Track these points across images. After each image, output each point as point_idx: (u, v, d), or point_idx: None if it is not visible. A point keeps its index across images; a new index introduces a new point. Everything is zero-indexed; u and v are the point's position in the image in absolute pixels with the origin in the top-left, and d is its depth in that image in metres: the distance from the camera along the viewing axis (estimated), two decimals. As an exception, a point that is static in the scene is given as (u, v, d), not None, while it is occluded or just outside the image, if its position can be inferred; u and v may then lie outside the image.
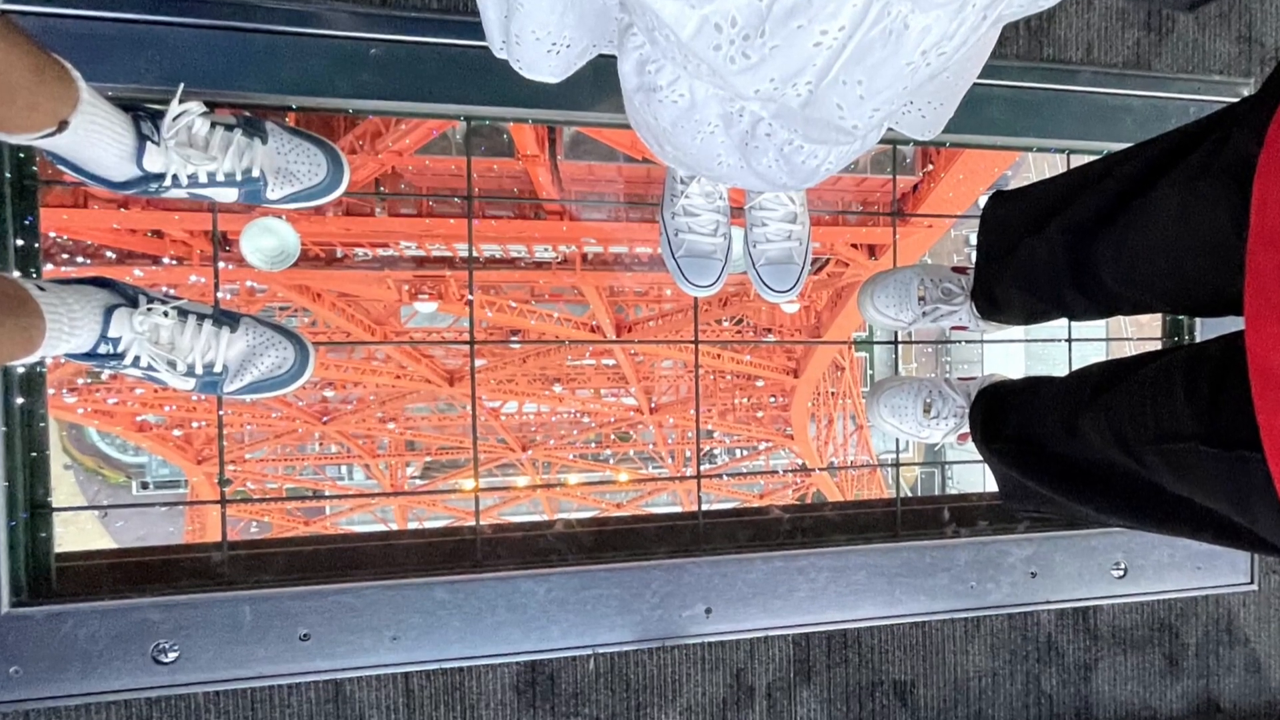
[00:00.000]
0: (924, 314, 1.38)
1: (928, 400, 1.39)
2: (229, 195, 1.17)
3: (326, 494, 16.32)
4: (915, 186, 10.36)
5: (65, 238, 10.04)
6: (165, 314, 1.12)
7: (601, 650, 1.50)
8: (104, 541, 11.91)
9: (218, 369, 1.17)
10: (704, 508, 1.67)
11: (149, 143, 1.06)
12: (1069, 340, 1.86)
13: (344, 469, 15.93)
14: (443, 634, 1.44)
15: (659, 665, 1.55)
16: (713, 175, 0.89)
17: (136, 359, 1.10)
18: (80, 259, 10.59)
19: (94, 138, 1.02)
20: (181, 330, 1.14)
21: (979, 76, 0.88)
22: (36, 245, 1.34)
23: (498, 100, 1.43)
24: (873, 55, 0.63)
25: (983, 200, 1.31)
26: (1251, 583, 1.77)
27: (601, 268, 12.76)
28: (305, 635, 1.39)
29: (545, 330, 13.34)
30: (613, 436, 16.03)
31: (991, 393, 1.32)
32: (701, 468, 12.97)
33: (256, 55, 1.32)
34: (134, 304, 1.10)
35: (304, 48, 1.33)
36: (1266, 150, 0.69)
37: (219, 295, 1.43)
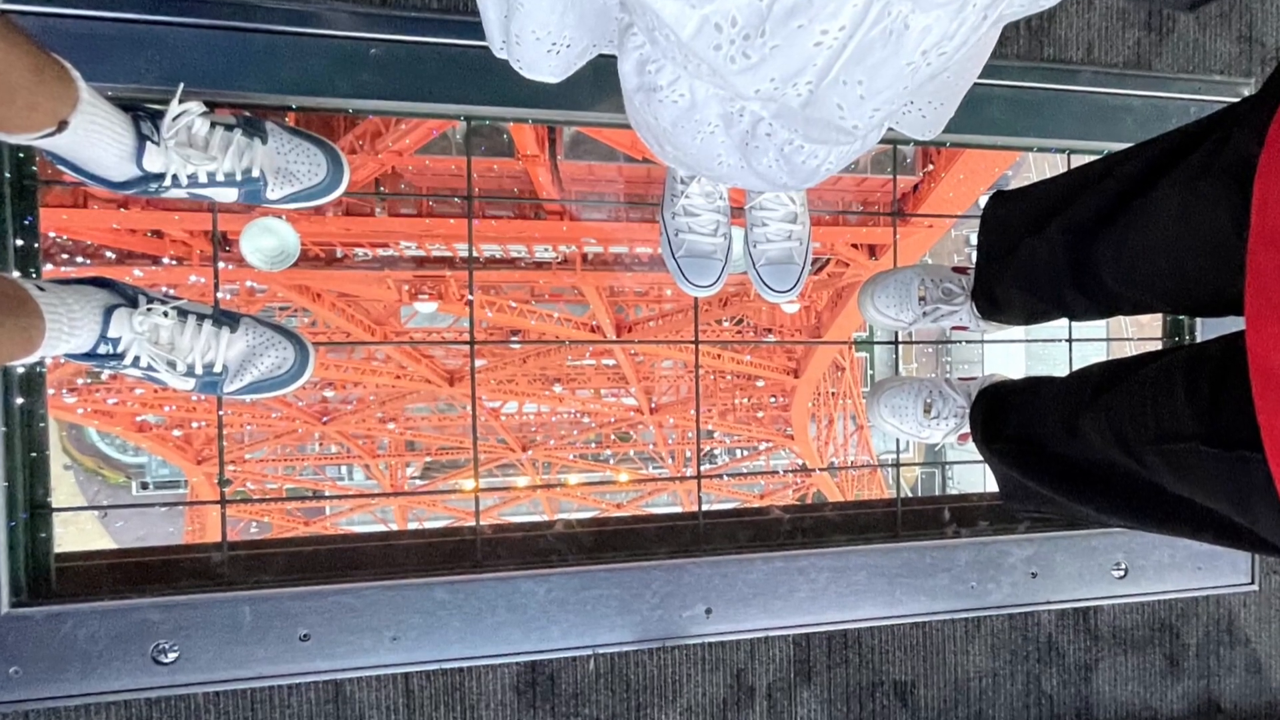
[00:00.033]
0: (924, 314, 1.38)
1: (928, 400, 1.39)
2: (229, 195, 1.17)
3: (326, 494, 16.32)
4: (916, 186, 10.36)
5: (65, 238, 10.04)
6: (165, 314, 1.12)
7: (602, 650, 1.50)
8: (104, 542, 11.92)
9: (217, 369, 1.17)
10: (704, 508, 1.67)
11: (149, 143, 1.06)
12: (1069, 340, 1.86)
13: (344, 469, 15.93)
14: (443, 634, 1.44)
15: (659, 666, 1.55)
16: (713, 175, 0.89)
17: (136, 359, 1.10)
18: (80, 259, 10.59)
19: (94, 138, 1.02)
20: (181, 330, 1.14)
21: (979, 76, 0.88)
22: (36, 245, 1.34)
23: (498, 100, 1.42)
24: (873, 55, 0.63)
25: (983, 200, 1.31)
26: (1252, 583, 1.77)
27: (602, 268, 12.76)
28: (305, 635, 1.39)
29: (545, 330, 13.34)
30: (613, 437, 16.03)
31: (992, 393, 1.32)
32: (702, 468, 12.97)
33: (256, 55, 1.32)
34: (134, 304, 1.10)
35: (304, 47, 1.33)
36: (1267, 150, 0.69)
37: (219, 295, 1.43)
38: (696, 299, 1.58)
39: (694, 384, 13.54)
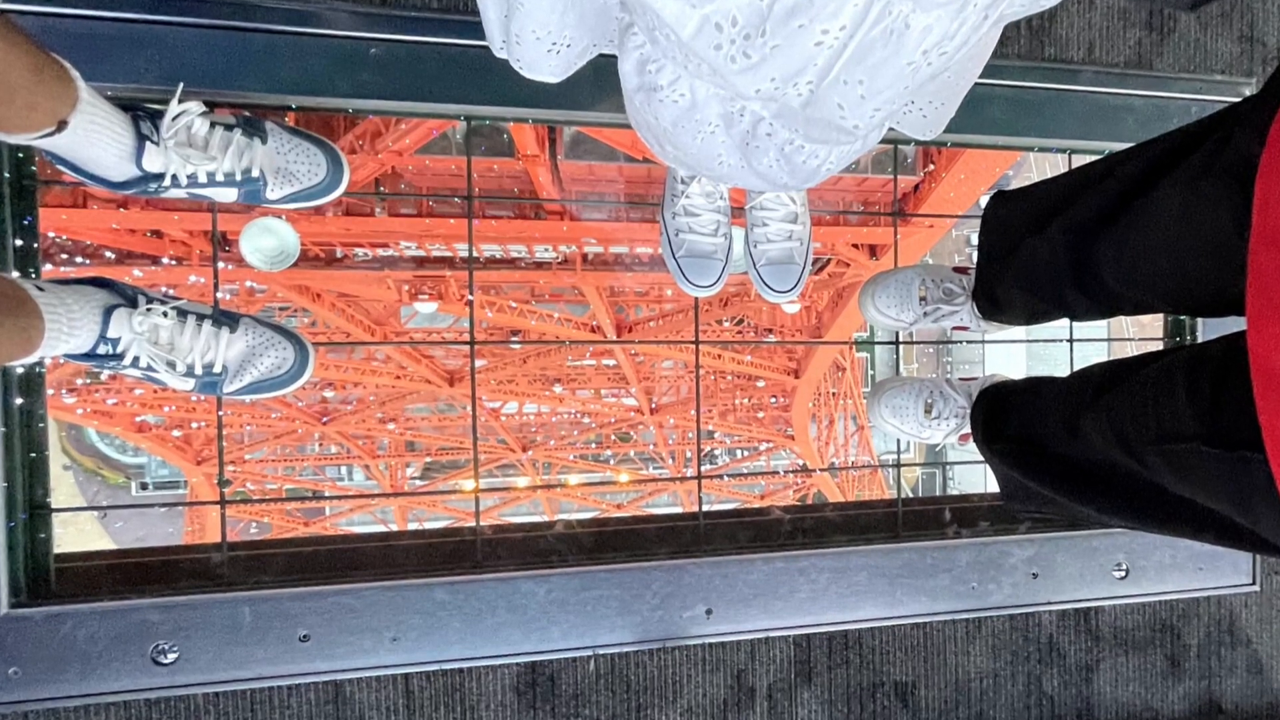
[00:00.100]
0: (925, 314, 1.37)
1: (929, 401, 1.39)
2: (228, 195, 1.17)
3: (326, 495, 16.31)
4: (916, 186, 10.35)
5: (64, 238, 10.03)
6: (164, 314, 1.12)
7: (602, 651, 1.50)
8: (103, 542, 11.91)
9: (217, 369, 1.17)
10: (705, 508, 1.67)
11: (148, 142, 1.06)
12: (1070, 340, 1.86)
13: (344, 470, 15.92)
14: (443, 635, 1.44)
15: (659, 666, 1.55)
16: (713, 175, 0.89)
17: (136, 359, 1.10)
18: (79, 259, 10.58)
19: (93, 138, 1.01)
20: (181, 330, 1.13)
21: (980, 76, 0.88)
22: (35, 245, 1.34)
23: (498, 100, 1.42)
24: (874, 55, 0.63)
25: (984, 200, 1.31)
26: (1253, 583, 1.77)
27: (602, 268, 12.75)
28: (305, 636, 1.39)
29: (545, 330, 13.34)
30: (613, 437, 16.03)
31: (993, 393, 1.32)
32: (702, 468, 12.97)
33: (256, 55, 1.31)
34: (133, 304, 1.10)
35: (304, 47, 1.33)
36: (1268, 150, 0.69)
37: (218, 295, 1.43)
38: (697, 299, 1.58)
39: (694, 384, 13.55)
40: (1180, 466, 0.82)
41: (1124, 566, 1.70)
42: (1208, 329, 1.75)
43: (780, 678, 1.59)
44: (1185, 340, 1.83)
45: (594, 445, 15.99)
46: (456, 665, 1.45)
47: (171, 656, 1.35)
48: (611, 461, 16.07)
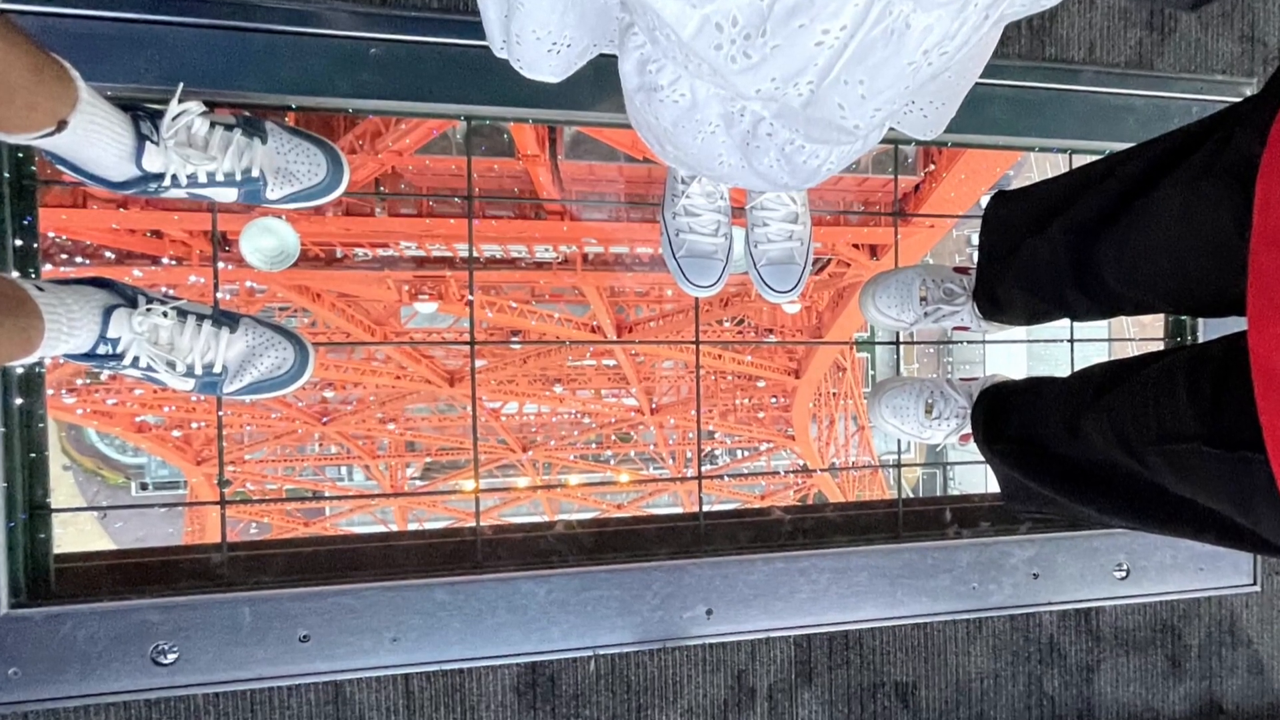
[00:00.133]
0: (926, 314, 1.37)
1: (929, 401, 1.39)
2: (228, 195, 1.17)
3: (326, 495, 16.32)
4: (917, 186, 10.36)
5: (64, 238, 10.03)
6: (164, 314, 1.12)
7: (602, 651, 1.50)
8: (103, 542, 11.91)
9: (217, 369, 1.17)
10: (705, 509, 1.67)
11: (148, 142, 1.06)
12: (1071, 341, 1.86)
13: (344, 470, 15.92)
14: (443, 635, 1.44)
15: (660, 667, 1.54)
16: (714, 175, 0.89)
17: (135, 359, 1.10)
18: (79, 259, 10.58)
19: (93, 137, 1.01)
20: (181, 331, 1.13)
21: (981, 76, 0.88)
22: (35, 245, 1.34)
23: (498, 100, 1.42)
24: (874, 55, 0.63)
25: (985, 200, 1.31)
26: (1254, 584, 1.77)
27: (602, 268, 12.75)
28: (305, 637, 1.39)
29: (546, 331, 13.34)
30: (613, 437, 16.02)
31: (993, 393, 1.32)
32: (702, 468, 12.97)
33: (256, 55, 1.31)
34: (133, 304, 1.10)
35: (304, 47, 1.33)
36: (1269, 150, 0.69)
37: (218, 295, 1.43)
38: (697, 299, 1.58)
39: (695, 384, 13.54)
40: (1181, 467, 0.82)
41: (1125, 567, 1.70)
42: (1208, 329, 1.75)
43: (781, 678, 1.59)
44: (1186, 340, 1.83)
45: (594, 445, 15.99)
46: (457, 666, 1.45)
47: (171, 657, 1.34)
48: (612, 462, 16.07)
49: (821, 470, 16.39)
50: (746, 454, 16.74)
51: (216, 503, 1.71)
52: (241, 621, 1.37)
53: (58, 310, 1.00)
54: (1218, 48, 1.77)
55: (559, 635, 1.48)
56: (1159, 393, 0.85)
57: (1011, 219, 1.20)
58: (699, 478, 2.05)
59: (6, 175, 1.29)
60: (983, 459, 1.31)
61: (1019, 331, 1.61)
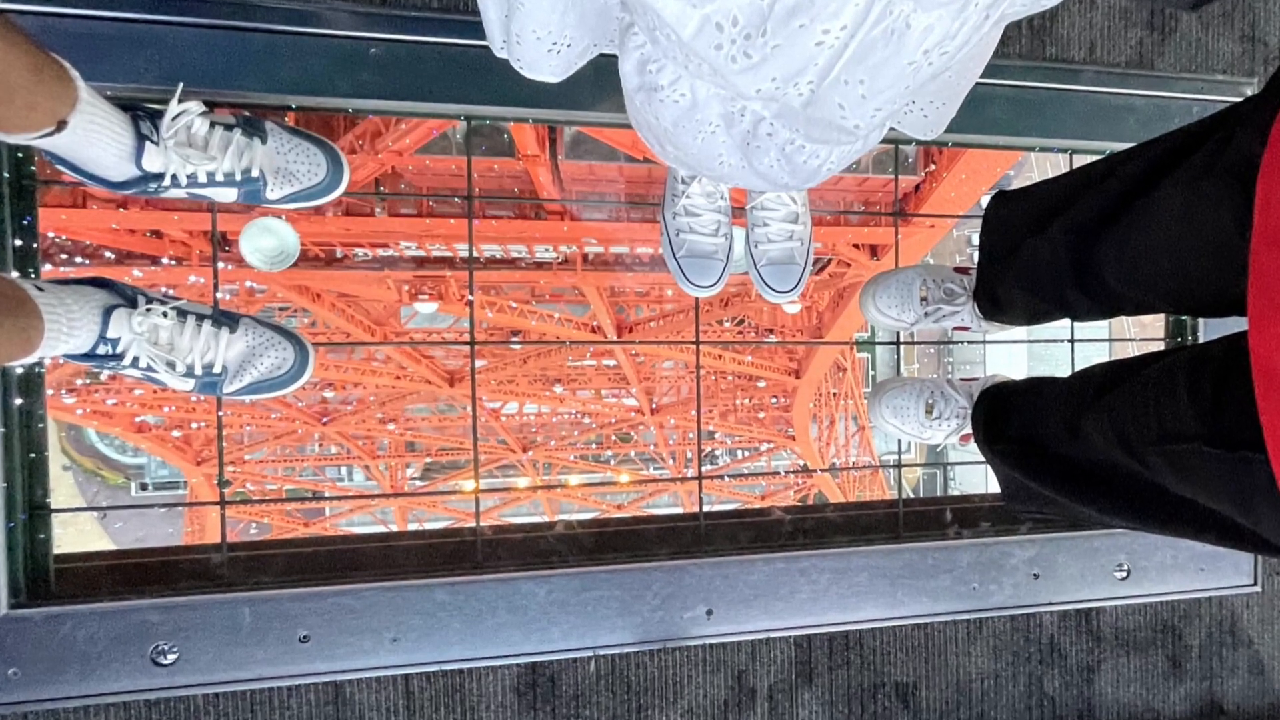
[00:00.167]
0: (926, 314, 1.37)
1: (930, 401, 1.39)
2: (228, 195, 1.17)
3: (326, 495, 16.31)
4: (917, 186, 10.35)
5: (64, 238, 10.02)
6: (164, 314, 1.12)
7: (602, 652, 1.50)
8: (103, 543, 11.91)
9: (217, 369, 1.17)
10: (705, 509, 1.67)
11: (148, 142, 1.06)
12: (1072, 341, 1.86)
13: (344, 470, 15.91)
14: (443, 635, 1.44)
15: (660, 667, 1.54)
16: (714, 175, 0.89)
17: (135, 360, 1.10)
18: (79, 259, 10.58)
19: (93, 137, 1.01)
20: (180, 331, 1.13)
21: (981, 76, 0.88)
22: (35, 245, 1.34)
23: (498, 100, 1.42)
24: (875, 54, 0.63)
25: (985, 200, 1.31)
26: (1255, 584, 1.77)
27: (602, 268, 12.75)
28: (305, 637, 1.39)
29: (546, 331, 13.33)
30: (614, 437, 16.02)
31: (994, 393, 1.32)
32: (703, 469, 12.97)
33: (256, 55, 1.31)
34: (133, 304, 1.09)
35: (303, 47, 1.33)
36: (1270, 150, 0.69)
37: (218, 295, 1.43)
38: (697, 299, 1.58)
39: (695, 384, 13.53)
40: (1181, 467, 0.82)
41: (1125, 567, 1.70)
42: (1209, 329, 1.75)
43: (781, 678, 1.59)
44: (1187, 340, 1.83)
45: (594, 446, 15.99)
46: (457, 666, 1.45)
47: (171, 657, 1.34)
48: (612, 462, 16.07)
49: (822, 470, 16.39)
50: (747, 454, 16.73)
51: (216, 503, 1.71)
52: (241, 622, 1.37)
53: (57, 310, 1.00)
54: (1218, 47, 1.77)
55: (559, 635, 1.48)
56: (1159, 393, 0.85)
57: (1012, 219, 1.20)
58: (699, 478, 2.05)
59: (6, 175, 1.29)
60: (983, 459, 1.31)
61: (1019, 332, 1.61)
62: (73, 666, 1.32)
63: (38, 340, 0.98)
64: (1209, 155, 0.84)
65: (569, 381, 14.82)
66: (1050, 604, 1.68)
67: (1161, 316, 1.85)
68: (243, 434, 14.14)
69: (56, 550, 1.40)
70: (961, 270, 1.39)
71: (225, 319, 1.19)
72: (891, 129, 0.90)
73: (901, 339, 1.89)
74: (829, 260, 11.94)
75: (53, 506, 1.38)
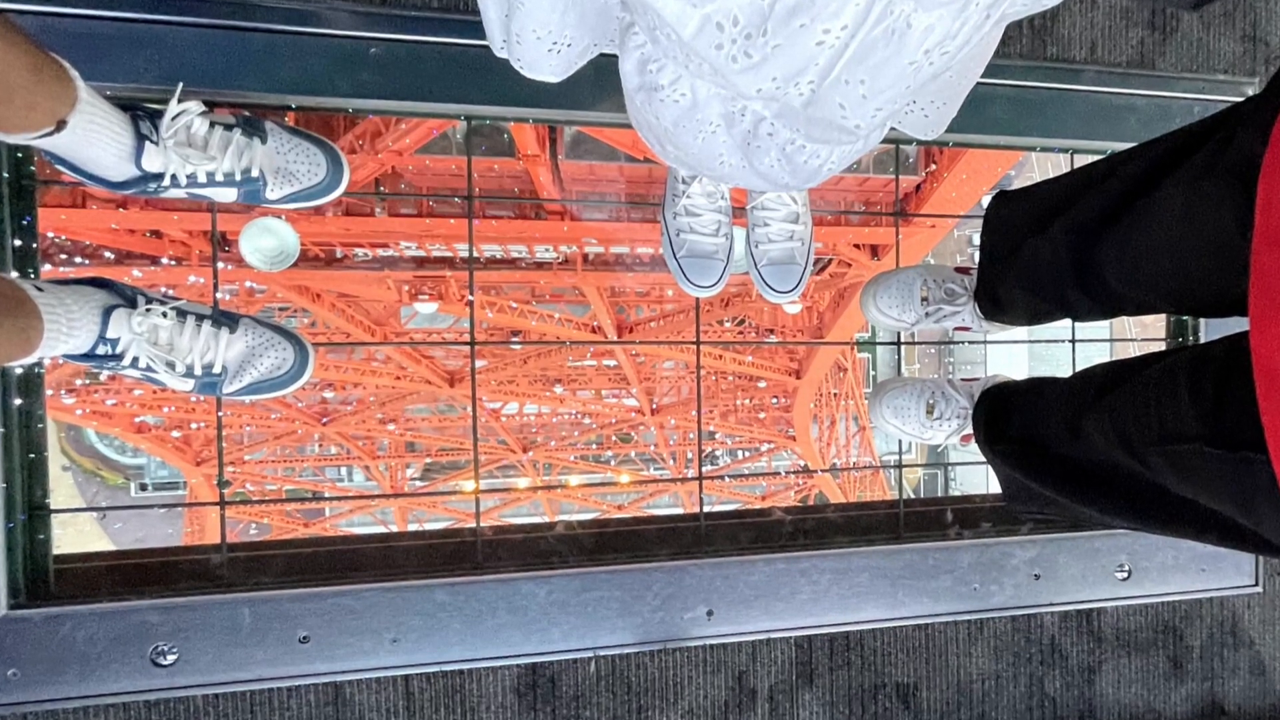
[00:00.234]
0: (927, 314, 1.37)
1: (931, 401, 1.38)
2: (228, 195, 1.17)
3: (326, 495, 16.31)
4: (918, 186, 10.35)
5: (63, 238, 10.02)
6: (164, 314, 1.11)
7: (603, 652, 1.50)
8: (102, 543, 11.92)
9: (217, 370, 1.17)
10: (706, 509, 1.67)
11: (148, 142, 1.06)
12: (1073, 341, 1.86)
13: (343, 470, 15.91)
14: (443, 636, 1.43)
15: (660, 668, 1.54)
16: (715, 175, 0.88)
17: (135, 360, 1.10)
18: (78, 259, 10.58)
19: (92, 137, 1.01)
20: (180, 331, 1.13)
21: (982, 76, 0.88)
22: (34, 245, 1.34)
23: (498, 100, 1.42)
24: (875, 54, 0.63)
25: (986, 200, 1.31)
26: (1256, 585, 1.77)
27: (603, 268, 12.75)
28: (305, 638, 1.39)
29: (546, 331, 13.33)
30: (614, 438, 16.02)
31: (995, 394, 1.32)
32: (703, 469, 12.98)
33: (256, 54, 1.31)
34: (132, 304, 1.09)
35: (303, 47, 1.33)
36: (1271, 150, 0.69)
37: (218, 296, 1.43)
38: (698, 299, 1.58)
39: (695, 385, 13.53)
40: (1183, 467, 0.82)
41: (1126, 568, 1.70)
42: (1210, 329, 1.75)
43: (781, 679, 1.59)
44: (1188, 341, 1.83)
45: (595, 446, 15.98)
46: (457, 667, 1.45)
47: (171, 658, 1.34)
48: (612, 462, 16.06)
49: (822, 471, 16.39)
50: (747, 454, 16.73)
51: (216, 503, 1.70)
52: (241, 622, 1.37)
53: (57, 310, 1.00)
54: (1219, 47, 1.77)
55: (559, 636, 1.48)
56: (1160, 393, 0.85)
57: (1013, 219, 1.20)
58: (700, 478, 2.05)
59: (5, 175, 1.29)
60: (984, 460, 1.31)
61: (1020, 332, 1.61)
62: (72, 667, 1.31)
63: (37, 340, 0.98)
64: (1210, 155, 0.84)
65: (569, 382, 14.82)
66: (1051, 604, 1.68)
67: (1163, 317, 1.85)
68: (242, 434, 14.14)
69: (56, 551, 1.40)
70: (962, 270, 1.38)
71: (225, 319, 1.19)
72: (892, 129, 0.89)
73: (902, 339, 1.89)
74: (830, 260, 11.94)
75: (52, 507, 1.38)
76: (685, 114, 0.76)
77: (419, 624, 1.43)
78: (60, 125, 0.97)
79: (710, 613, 1.53)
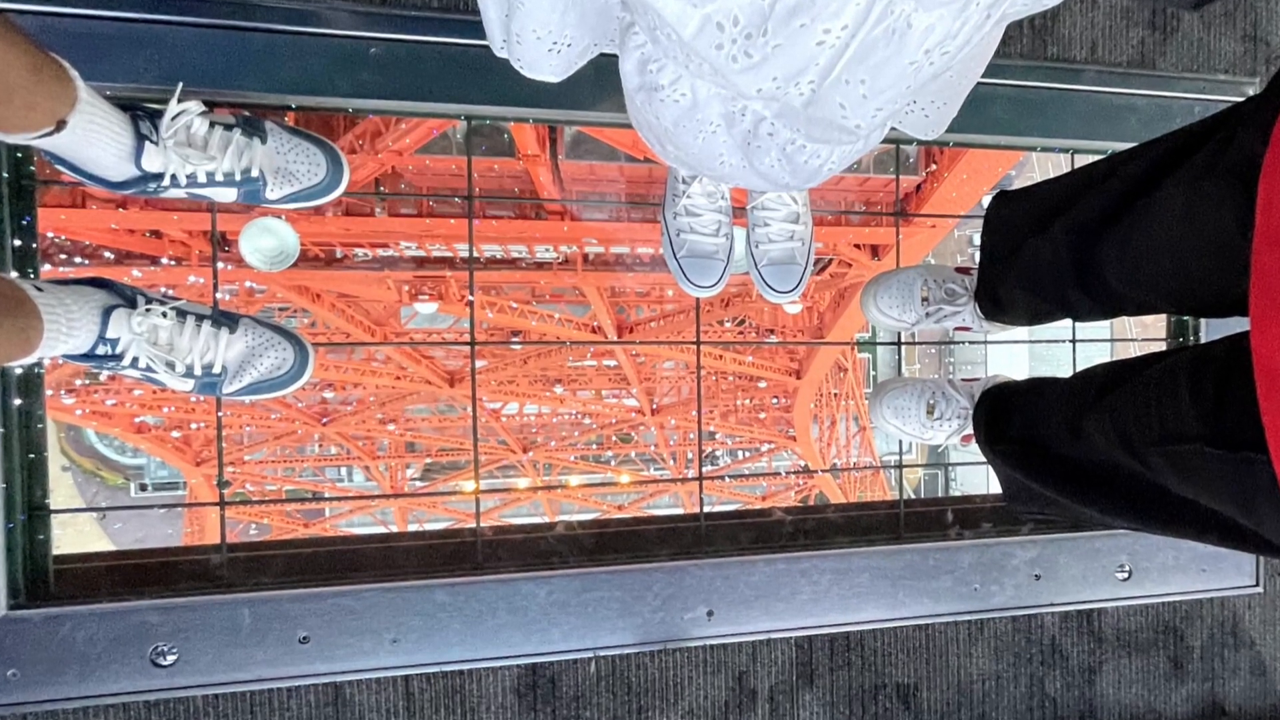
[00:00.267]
0: (927, 314, 1.37)
1: (931, 401, 1.38)
2: (228, 195, 1.17)
3: (326, 496, 16.31)
4: (918, 186, 10.35)
5: (63, 238, 10.02)
6: (164, 315, 1.11)
7: (603, 653, 1.50)
8: (102, 543, 11.93)
9: (216, 370, 1.17)
10: (706, 509, 1.66)
11: (147, 142, 1.06)
12: (1073, 341, 1.86)
13: (343, 471, 15.91)
14: (443, 636, 1.43)
15: (660, 668, 1.54)
16: (715, 175, 0.88)
17: (135, 360, 1.10)
18: (78, 259, 10.57)
19: (92, 137, 1.01)
20: (180, 331, 1.13)
21: (983, 75, 0.88)
22: (34, 245, 1.34)
23: (498, 99, 1.42)
24: (876, 54, 0.63)
25: (986, 200, 1.31)
26: (1257, 585, 1.77)
27: (603, 268, 12.75)
28: (305, 638, 1.38)
29: (546, 331, 13.33)
30: (614, 438, 16.02)
31: (995, 394, 1.32)
32: (703, 469, 12.97)
33: (256, 54, 1.31)
34: (132, 304, 1.09)
35: (303, 47, 1.33)
36: (1272, 150, 0.69)
37: (218, 296, 1.42)
38: (698, 299, 1.58)
39: (696, 385, 13.52)
40: (1183, 467, 0.82)
41: (1127, 568, 1.70)
42: (1211, 329, 1.75)
43: (782, 679, 1.59)
44: (1188, 341, 1.83)
45: (595, 446, 15.98)
46: (457, 667, 1.45)
47: (171, 658, 1.34)
48: (612, 462, 16.06)
49: (823, 471, 16.39)
50: (748, 455, 16.73)
51: (216, 504, 1.70)
52: (241, 623, 1.37)
53: (56, 310, 1.00)
54: (1220, 47, 1.77)
55: (559, 636, 1.48)
56: (1161, 393, 0.85)
57: (1013, 219, 1.20)
58: (700, 478, 2.05)
59: (5, 175, 1.29)
60: (984, 460, 1.31)
61: (1021, 332, 1.61)
62: (72, 668, 1.31)
63: (37, 340, 0.98)
64: (1211, 155, 0.84)
65: (569, 382, 14.82)
66: (1052, 605, 1.68)
67: (1163, 317, 1.85)
68: (242, 435, 14.14)
69: (56, 551, 1.39)
70: (963, 270, 1.38)
71: (225, 319, 1.19)
72: (893, 129, 0.89)
73: (903, 339, 1.89)
74: (830, 260, 11.94)
75: (52, 507, 1.38)
76: (685, 114, 0.76)
77: (419, 624, 1.42)
78: (60, 125, 0.97)
79: (710, 613, 1.53)
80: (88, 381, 12.65)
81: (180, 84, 1.10)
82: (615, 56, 0.78)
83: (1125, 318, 1.14)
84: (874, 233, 11.34)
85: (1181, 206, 0.86)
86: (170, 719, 1.37)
